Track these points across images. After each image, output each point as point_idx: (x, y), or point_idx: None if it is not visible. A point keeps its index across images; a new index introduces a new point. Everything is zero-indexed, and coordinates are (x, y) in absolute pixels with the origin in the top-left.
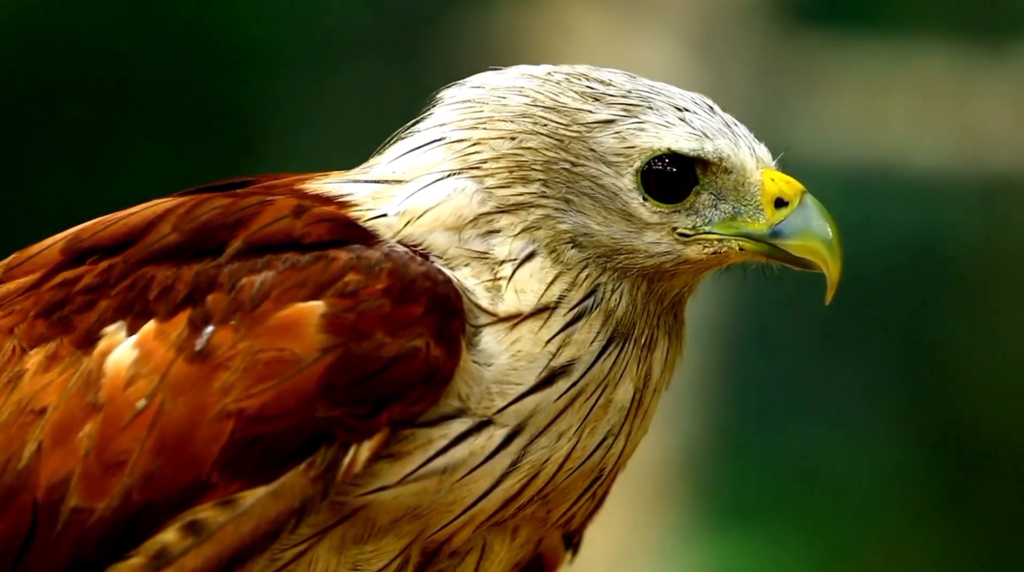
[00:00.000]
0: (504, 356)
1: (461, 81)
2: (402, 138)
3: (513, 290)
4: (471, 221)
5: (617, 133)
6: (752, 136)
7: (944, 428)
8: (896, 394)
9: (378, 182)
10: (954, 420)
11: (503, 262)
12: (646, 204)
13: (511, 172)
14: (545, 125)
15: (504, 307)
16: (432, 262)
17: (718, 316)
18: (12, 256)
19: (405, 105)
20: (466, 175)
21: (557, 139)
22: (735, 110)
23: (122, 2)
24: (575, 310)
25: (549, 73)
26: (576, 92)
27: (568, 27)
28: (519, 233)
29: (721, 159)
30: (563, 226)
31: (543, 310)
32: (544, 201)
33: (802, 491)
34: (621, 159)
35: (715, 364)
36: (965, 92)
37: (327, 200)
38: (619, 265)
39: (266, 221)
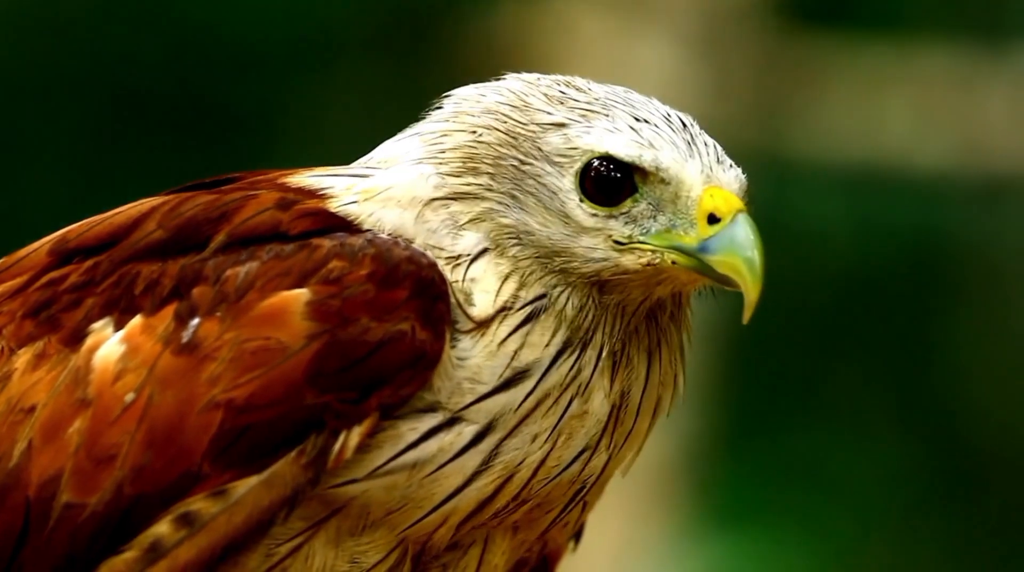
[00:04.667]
0: (475, 356)
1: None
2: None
3: (478, 290)
4: (427, 203)
5: (564, 135)
6: (720, 157)
7: (944, 428)
8: (896, 394)
9: (356, 175)
10: (954, 419)
11: (460, 257)
12: (583, 206)
13: (463, 163)
14: (504, 122)
15: (476, 310)
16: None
17: (718, 316)
18: (0, 261)
19: (406, 105)
20: (428, 162)
21: (512, 136)
22: (735, 110)
23: (122, 2)
24: (526, 310)
25: (539, 78)
26: (545, 95)
27: (569, 27)
28: (468, 222)
29: (658, 169)
30: (505, 221)
31: (502, 310)
32: (489, 194)
33: (802, 491)
34: (564, 159)
35: (715, 364)
36: (966, 92)
37: (309, 193)
38: (560, 268)
39: (249, 214)
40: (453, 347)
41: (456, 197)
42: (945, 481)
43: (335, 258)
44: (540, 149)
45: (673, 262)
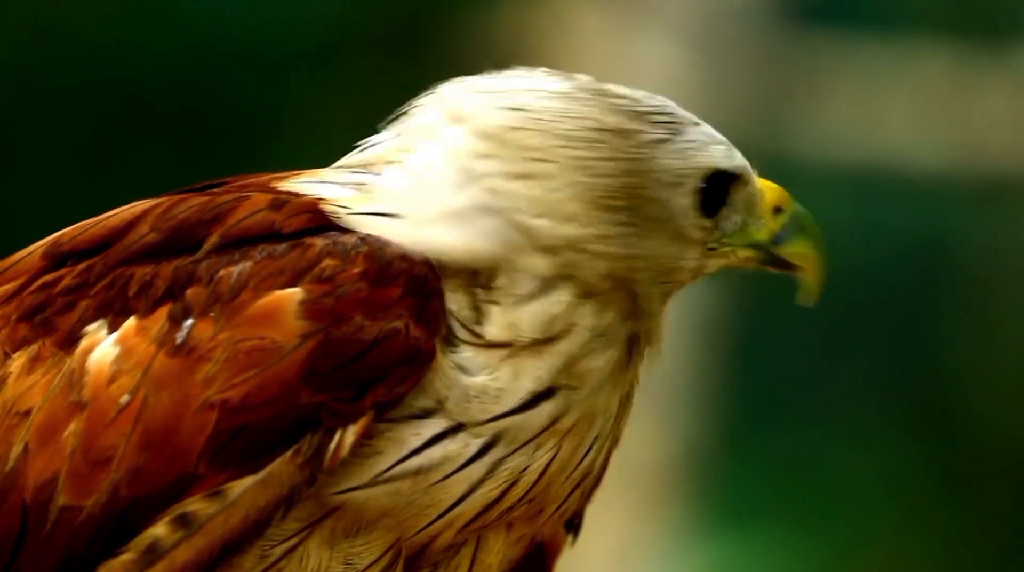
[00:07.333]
0: (481, 374)
1: (480, 99)
2: (410, 165)
3: (506, 322)
4: (491, 266)
5: (676, 153)
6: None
7: (944, 428)
8: (896, 394)
9: (356, 184)
10: (954, 420)
11: (512, 294)
12: (697, 222)
13: (583, 203)
14: (613, 149)
15: (492, 333)
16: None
17: (718, 316)
18: None
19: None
20: (508, 216)
21: (622, 163)
22: (735, 110)
23: (122, 2)
24: (588, 349)
25: (572, 84)
26: (624, 113)
27: (569, 27)
28: (548, 268)
29: (744, 173)
30: (620, 251)
31: (540, 343)
32: (616, 230)
33: (802, 491)
34: (680, 179)
35: (715, 364)
36: (965, 92)
37: (300, 197)
38: (649, 286)
39: (242, 215)
40: (454, 352)
41: (546, 249)
42: (945, 482)
43: (328, 257)
44: (657, 171)
45: (745, 257)
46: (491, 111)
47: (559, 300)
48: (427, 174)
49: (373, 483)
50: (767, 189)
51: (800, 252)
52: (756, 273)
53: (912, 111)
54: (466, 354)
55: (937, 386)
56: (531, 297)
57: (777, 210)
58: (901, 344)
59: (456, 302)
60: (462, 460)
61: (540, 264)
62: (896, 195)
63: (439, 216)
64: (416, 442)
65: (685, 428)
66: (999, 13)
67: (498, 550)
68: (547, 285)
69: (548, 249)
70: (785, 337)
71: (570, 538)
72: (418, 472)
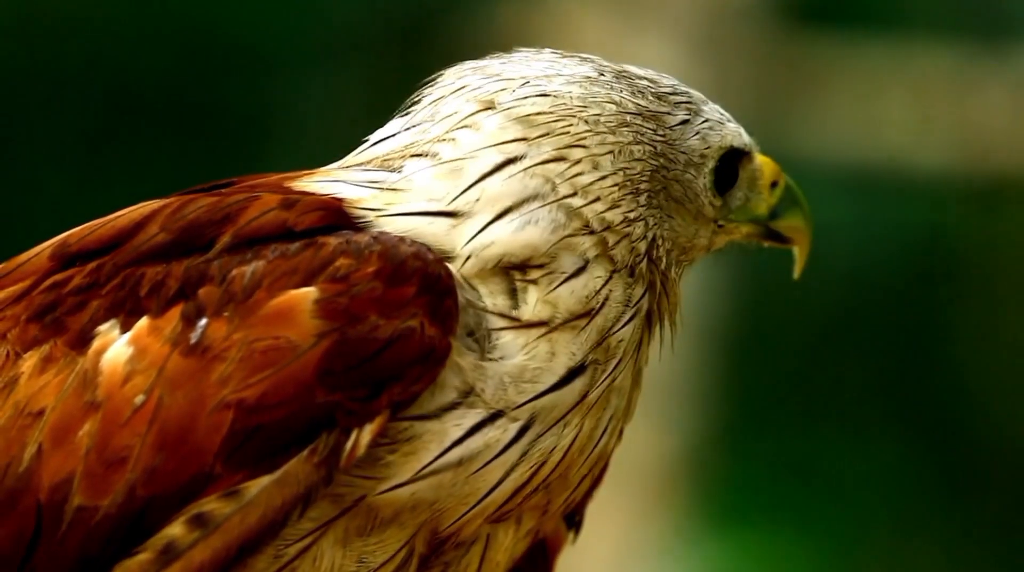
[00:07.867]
0: (519, 356)
1: (505, 85)
2: (454, 159)
3: (543, 300)
4: (543, 253)
5: (697, 134)
6: None
7: (944, 428)
8: (896, 394)
9: (379, 184)
10: (954, 420)
11: (553, 273)
12: (713, 201)
13: (620, 189)
14: (643, 134)
15: (530, 312)
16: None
17: (718, 316)
18: (0, 266)
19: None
20: (556, 202)
21: (652, 145)
22: (735, 110)
23: (122, 2)
24: (619, 320)
25: (600, 67)
26: (640, 91)
27: (569, 27)
28: (590, 248)
29: (752, 150)
30: (658, 231)
31: (577, 318)
32: (649, 212)
33: (802, 491)
34: (702, 160)
35: (715, 364)
36: (966, 92)
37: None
38: (671, 264)
39: (254, 215)
40: (489, 342)
41: (596, 230)
42: (945, 481)
43: (341, 256)
44: (683, 153)
45: (747, 233)
46: (519, 98)
47: (595, 275)
48: (463, 162)
49: (416, 478)
50: (764, 164)
51: (794, 225)
52: (755, 272)
53: (912, 111)
54: (504, 339)
55: (937, 386)
56: (572, 275)
57: (773, 185)
58: (901, 344)
59: (491, 291)
60: (501, 445)
61: (584, 243)
62: (896, 195)
63: (486, 205)
64: (458, 433)
65: (685, 428)
66: (999, 13)
67: (507, 547)
68: (586, 262)
69: (589, 229)
70: (785, 337)
71: (571, 535)
72: (460, 462)
